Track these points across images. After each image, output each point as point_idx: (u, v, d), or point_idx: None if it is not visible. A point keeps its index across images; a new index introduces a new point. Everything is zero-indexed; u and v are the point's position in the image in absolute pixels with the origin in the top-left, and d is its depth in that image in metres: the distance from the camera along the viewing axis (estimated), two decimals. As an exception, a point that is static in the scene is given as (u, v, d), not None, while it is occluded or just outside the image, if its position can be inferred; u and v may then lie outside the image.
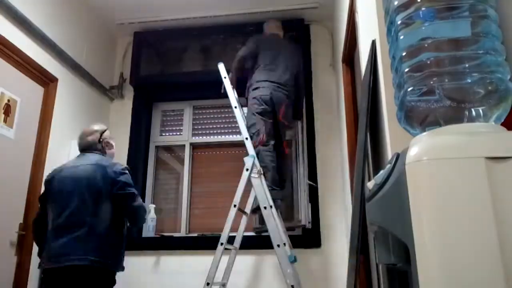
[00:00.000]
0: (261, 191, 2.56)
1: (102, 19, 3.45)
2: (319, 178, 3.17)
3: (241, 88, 3.00)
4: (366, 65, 1.61)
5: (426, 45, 0.88)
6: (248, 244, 2.92)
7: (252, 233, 3.00)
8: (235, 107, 2.80)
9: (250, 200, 2.81)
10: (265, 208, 2.49)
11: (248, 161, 2.64)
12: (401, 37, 0.94)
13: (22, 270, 2.46)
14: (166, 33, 3.54)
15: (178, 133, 3.62)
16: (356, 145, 2.54)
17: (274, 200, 2.59)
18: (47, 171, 2.69)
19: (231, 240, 2.75)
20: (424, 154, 0.75)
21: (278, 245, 2.37)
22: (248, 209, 2.82)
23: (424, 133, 0.86)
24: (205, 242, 3.06)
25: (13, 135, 2.47)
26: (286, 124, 2.88)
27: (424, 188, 0.73)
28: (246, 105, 2.92)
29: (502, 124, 0.85)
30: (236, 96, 2.90)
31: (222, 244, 2.47)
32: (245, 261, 3.00)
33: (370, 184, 1.00)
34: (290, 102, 2.89)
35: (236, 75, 2.99)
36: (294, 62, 3.01)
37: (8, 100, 2.45)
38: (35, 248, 2.57)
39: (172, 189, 3.51)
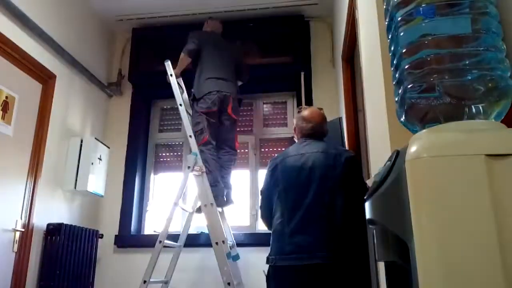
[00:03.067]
0: (202, 189, 2.57)
1: (101, 15, 3.44)
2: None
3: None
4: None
5: (426, 42, 0.88)
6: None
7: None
8: (180, 105, 2.81)
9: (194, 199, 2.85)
10: (205, 206, 2.52)
11: (190, 158, 2.65)
12: (401, 33, 0.94)
13: (20, 267, 2.46)
14: (165, 29, 3.53)
15: (177, 131, 3.62)
16: (355, 142, 2.54)
17: (215, 197, 2.61)
18: (46, 168, 2.69)
19: (176, 238, 2.76)
20: (424, 151, 0.75)
21: (217, 243, 2.41)
22: (193, 207, 2.87)
23: (424, 130, 0.86)
24: (204, 240, 3.06)
25: (11, 132, 2.47)
26: (235, 117, 2.95)
27: (424, 185, 0.73)
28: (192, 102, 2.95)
29: (502, 121, 0.85)
30: (182, 94, 2.93)
31: (160, 242, 2.47)
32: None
33: (369, 181, 1.00)
34: (235, 95, 2.96)
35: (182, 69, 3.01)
36: (235, 55, 3.12)
37: (6, 97, 2.44)
38: (37, 246, 2.58)
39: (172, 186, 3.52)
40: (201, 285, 3.00)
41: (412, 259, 0.73)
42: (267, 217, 1.99)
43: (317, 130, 2.03)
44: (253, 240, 3.02)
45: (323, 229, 1.77)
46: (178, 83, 2.93)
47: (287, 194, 1.88)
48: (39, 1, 2.74)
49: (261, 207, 2.07)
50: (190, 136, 2.73)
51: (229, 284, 2.30)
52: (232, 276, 2.34)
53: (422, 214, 0.72)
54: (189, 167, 2.63)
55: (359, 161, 1.97)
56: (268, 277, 1.86)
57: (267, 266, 1.90)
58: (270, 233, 1.95)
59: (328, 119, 3.30)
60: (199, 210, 2.72)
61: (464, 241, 0.69)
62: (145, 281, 2.38)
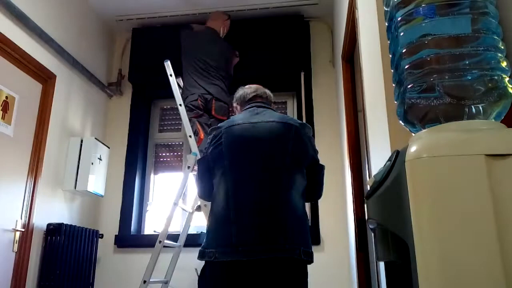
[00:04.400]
0: None
1: (101, 16, 3.44)
2: (318, 175, 3.17)
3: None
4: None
5: (426, 42, 0.88)
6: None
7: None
8: (180, 105, 2.82)
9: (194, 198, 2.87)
10: (205, 205, 2.52)
11: (190, 159, 2.65)
12: (401, 33, 0.94)
13: (20, 267, 2.45)
14: (165, 29, 3.53)
15: (177, 131, 3.61)
16: (355, 142, 2.54)
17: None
18: (46, 168, 2.69)
19: (175, 238, 2.76)
20: (424, 151, 0.75)
21: None
22: (193, 207, 2.88)
23: (424, 130, 0.86)
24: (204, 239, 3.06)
25: (11, 132, 2.47)
26: (220, 117, 2.97)
27: (424, 185, 0.73)
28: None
29: (502, 121, 0.85)
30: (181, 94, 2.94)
31: (160, 242, 2.47)
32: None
33: (369, 181, 1.00)
34: (219, 96, 2.98)
35: None
36: (225, 55, 3.14)
37: (6, 97, 2.44)
38: (37, 246, 2.58)
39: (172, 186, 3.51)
40: (201, 285, 3.00)
41: (412, 259, 0.73)
42: (208, 189, 1.66)
43: (262, 93, 1.76)
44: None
45: (279, 215, 1.46)
46: (177, 83, 2.93)
47: (234, 171, 1.53)
48: (39, 1, 2.74)
49: (197, 180, 1.70)
50: (190, 136, 2.74)
51: None
52: None
53: (422, 214, 0.72)
54: (189, 167, 2.63)
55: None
56: (204, 277, 1.53)
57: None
58: None
59: (328, 118, 3.32)
60: (198, 209, 2.73)
61: (464, 240, 0.69)
62: (145, 281, 2.38)
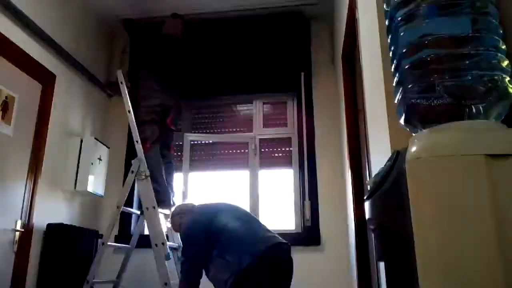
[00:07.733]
0: (146, 193, 2.64)
1: (101, 16, 3.43)
2: (318, 176, 3.17)
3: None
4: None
5: (426, 42, 0.88)
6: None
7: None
8: (129, 111, 2.83)
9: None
10: (147, 209, 2.58)
11: (135, 163, 2.70)
12: (401, 33, 0.94)
13: (21, 267, 2.45)
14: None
15: (176, 131, 3.61)
16: (355, 142, 2.54)
17: (160, 201, 2.73)
18: (46, 168, 2.69)
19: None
20: (424, 151, 0.75)
21: (156, 245, 2.47)
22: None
23: (424, 130, 0.86)
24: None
25: (11, 132, 2.46)
26: (174, 128, 3.15)
27: (425, 185, 0.73)
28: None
29: (502, 121, 0.85)
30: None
31: (103, 244, 2.59)
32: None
33: (369, 182, 1.00)
34: (177, 108, 3.11)
35: None
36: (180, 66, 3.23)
37: (6, 97, 2.44)
38: (37, 246, 2.58)
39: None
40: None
41: (412, 259, 0.73)
42: None
43: None
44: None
45: None
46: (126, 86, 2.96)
47: None
48: (39, 1, 2.74)
49: None
50: (137, 142, 2.76)
51: (166, 284, 2.36)
52: (167, 276, 2.39)
53: (422, 214, 0.72)
54: (132, 172, 2.69)
55: None
56: None
57: None
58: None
59: (328, 118, 3.32)
60: (142, 213, 2.82)
61: (464, 240, 0.69)
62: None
